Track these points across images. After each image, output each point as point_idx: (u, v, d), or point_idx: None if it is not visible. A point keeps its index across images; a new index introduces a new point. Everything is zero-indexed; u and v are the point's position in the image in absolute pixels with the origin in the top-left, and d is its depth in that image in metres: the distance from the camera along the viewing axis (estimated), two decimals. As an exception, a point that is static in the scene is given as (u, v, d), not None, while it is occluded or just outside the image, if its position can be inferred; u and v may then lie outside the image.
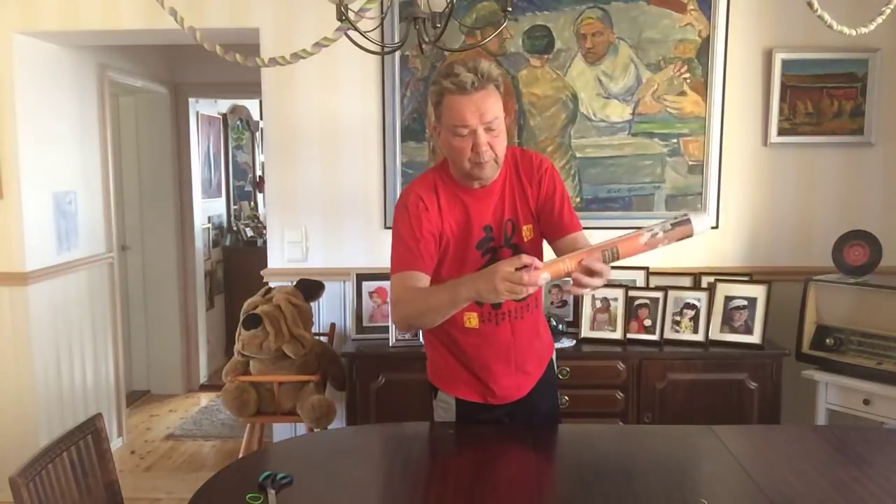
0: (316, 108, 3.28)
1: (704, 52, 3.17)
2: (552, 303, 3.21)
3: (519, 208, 1.91)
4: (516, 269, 1.50)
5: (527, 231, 1.92)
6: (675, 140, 3.22)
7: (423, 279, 1.81)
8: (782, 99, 3.20)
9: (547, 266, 1.53)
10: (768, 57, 3.19)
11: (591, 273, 1.54)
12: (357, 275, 3.22)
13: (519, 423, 2.07)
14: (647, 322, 3.00)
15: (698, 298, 2.99)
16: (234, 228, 5.96)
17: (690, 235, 1.60)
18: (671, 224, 1.59)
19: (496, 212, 1.90)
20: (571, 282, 1.56)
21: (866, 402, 2.75)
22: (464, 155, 1.78)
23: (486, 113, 1.74)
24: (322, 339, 3.29)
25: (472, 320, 1.92)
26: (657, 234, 1.58)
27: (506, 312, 1.94)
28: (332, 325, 3.37)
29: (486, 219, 1.89)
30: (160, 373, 5.06)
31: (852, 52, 3.15)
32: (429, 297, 1.74)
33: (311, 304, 3.19)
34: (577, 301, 3.12)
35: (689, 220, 1.58)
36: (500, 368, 1.99)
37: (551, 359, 2.15)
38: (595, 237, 1.97)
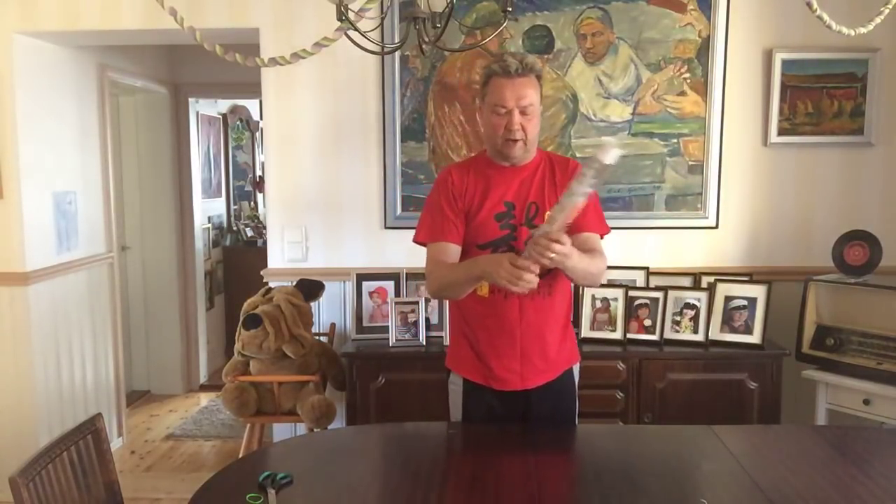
0: (316, 108, 3.29)
1: (704, 52, 3.17)
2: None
3: (546, 195, 2.03)
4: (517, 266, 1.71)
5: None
6: (675, 140, 3.22)
7: (452, 248, 2.03)
8: (782, 99, 3.20)
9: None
10: (768, 57, 3.19)
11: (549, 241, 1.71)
12: (357, 275, 3.22)
13: (529, 424, 2.09)
14: (647, 322, 3.00)
15: (698, 298, 2.99)
16: (234, 228, 5.96)
17: (603, 168, 1.67)
18: (590, 174, 1.69)
19: (521, 191, 2.03)
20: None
21: (866, 402, 2.75)
22: (498, 131, 1.98)
23: (524, 97, 1.95)
24: (322, 339, 3.29)
25: (483, 288, 2.02)
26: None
27: None
28: (332, 325, 3.37)
29: (509, 195, 2.03)
30: (160, 373, 5.06)
31: (852, 52, 3.15)
32: (450, 273, 1.99)
33: (311, 304, 3.19)
34: (578, 301, 3.11)
35: (595, 158, 1.68)
36: (504, 346, 2.03)
37: (571, 369, 2.15)
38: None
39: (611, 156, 1.67)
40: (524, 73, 1.95)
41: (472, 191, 2.04)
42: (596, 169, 1.68)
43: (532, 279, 1.73)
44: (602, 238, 2.09)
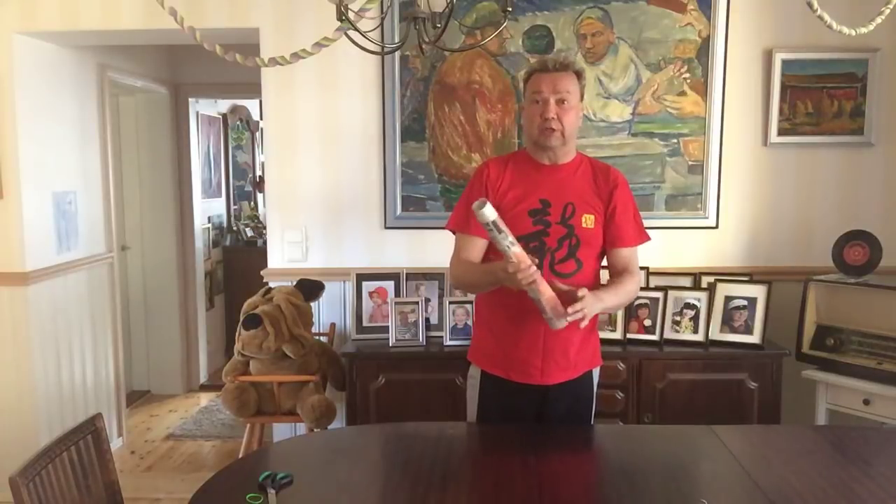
0: (316, 108, 3.28)
1: (704, 52, 3.17)
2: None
3: (585, 197, 2.07)
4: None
5: (586, 219, 2.06)
6: (675, 140, 3.22)
7: (476, 241, 2.10)
8: (782, 99, 3.20)
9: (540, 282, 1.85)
10: (768, 57, 3.19)
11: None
12: (357, 275, 3.22)
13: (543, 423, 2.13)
14: (647, 322, 3.00)
15: (698, 298, 2.99)
16: (234, 228, 5.96)
17: (493, 224, 1.80)
18: (502, 238, 1.82)
19: (558, 190, 2.07)
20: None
21: (866, 402, 2.75)
22: (534, 121, 2.05)
23: (559, 87, 2.03)
24: (322, 339, 3.29)
25: None
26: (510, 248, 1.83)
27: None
28: (332, 325, 3.37)
29: (544, 192, 2.08)
30: (160, 373, 5.05)
31: (852, 52, 3.15)
32: (472, 273, 2.08)
33: (311, 304, 3.19)
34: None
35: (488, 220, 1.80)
36: (527, 339, 2.06)
37: (591, 371, 2.18)
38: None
39: (485, 214, 1.78)
40: (562, 68, 2.04)
41: (507, 185, 2.09)
42: (493, 230, 1.79)
43: (528, 272, 1.82)
44: (641, 244, 2.17)
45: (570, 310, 1.83)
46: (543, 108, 2.02)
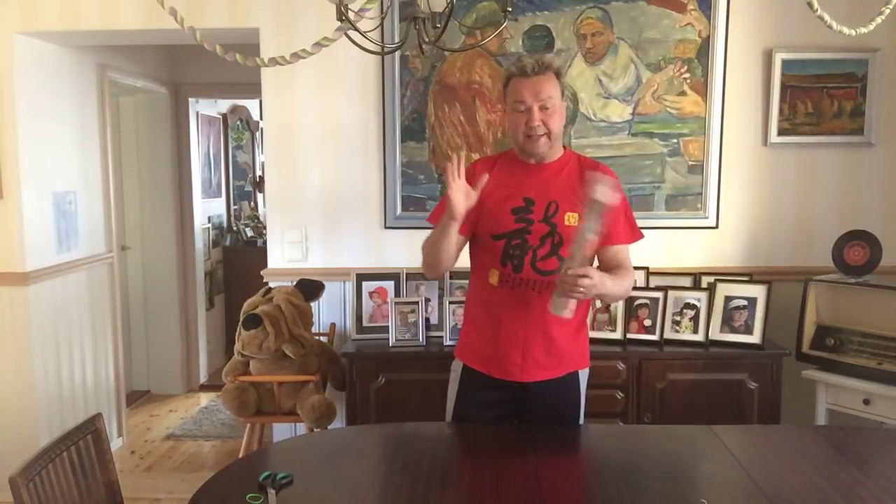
0: (316, 108, 3.28)
1: (704, 52, 3.17)
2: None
3: (570, 195, 2.07)
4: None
5: (569, 217, 2.05)
6: (675, 140, 3.22)
7: (456, 237, 2.07)
8: (782, 99, 3.20)
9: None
10: (768, 57, 3.19)
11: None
12: (357, 275, 3.22)
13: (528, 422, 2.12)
14: (647, 322, 3.00)
15: (698, 298, 2.99)
16: (234, 228, 5.96)
17: (605, 205, 1.84)
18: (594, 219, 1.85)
19: (542, 189, 2.08)
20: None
21: (866, 402, 2.75)
22: (519, 128, 2.05)
23: (541, 92, 2.01)
24: (322, 339, 3.29)
25: (493, 277, 2.09)
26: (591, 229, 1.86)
27: (524, 280, 2.05)
28: (332, 325, 3.37)
29: (530, 191, 2.08)
30: (160, 373, 5.06)
31: (852, 52, 3.15)
32: (429, 237, 2.09)
33: (311, 304, 3.19)
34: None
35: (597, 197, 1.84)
36: (507, 336, 2.07)
37: (577, 373, 2.16)
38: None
39: (607, 195, 1.82)
40: (541, 71, 2.01)
41: (494, 184, 2.08)
42: (595, 210, 1.82)
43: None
44: (635, 242, 2.17)
45: (581, 271, 1.84)
46: (528, 117, 2.01)
